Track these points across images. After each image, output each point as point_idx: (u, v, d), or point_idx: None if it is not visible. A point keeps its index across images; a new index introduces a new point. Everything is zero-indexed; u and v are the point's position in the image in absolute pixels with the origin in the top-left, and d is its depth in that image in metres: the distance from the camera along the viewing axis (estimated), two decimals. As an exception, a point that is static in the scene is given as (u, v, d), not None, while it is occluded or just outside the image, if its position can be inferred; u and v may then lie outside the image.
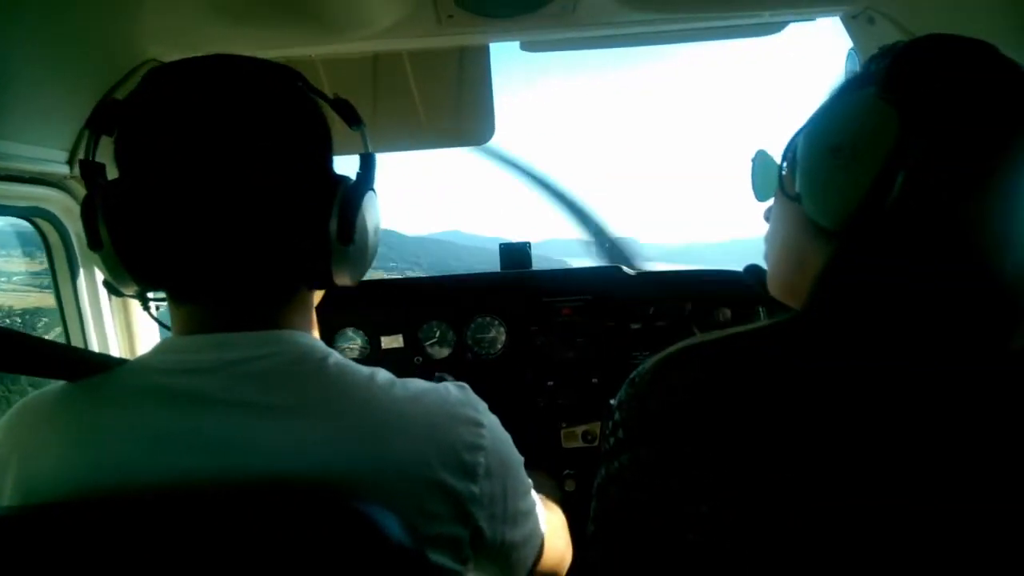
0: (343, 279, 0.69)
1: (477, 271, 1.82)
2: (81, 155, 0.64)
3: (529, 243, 1.76)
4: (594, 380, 1.68)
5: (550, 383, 1.69)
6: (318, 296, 0.75)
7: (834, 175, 0.61)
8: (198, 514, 0.54)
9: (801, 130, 0.67)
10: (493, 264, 1.79)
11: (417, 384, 0.67)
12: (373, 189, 0.70)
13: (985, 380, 0.56)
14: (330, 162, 0.69)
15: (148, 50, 1.13)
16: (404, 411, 0.62)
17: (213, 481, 0.56)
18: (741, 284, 1.50)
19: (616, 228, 2.30)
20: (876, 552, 0.54)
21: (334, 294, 0.74)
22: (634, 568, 0.65)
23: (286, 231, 0.64)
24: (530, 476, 0.76)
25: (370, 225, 0.71)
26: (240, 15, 1.04)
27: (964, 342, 0.58)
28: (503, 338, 1.69)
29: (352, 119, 0.71)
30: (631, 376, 0.68)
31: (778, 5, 1.11)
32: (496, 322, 1.69)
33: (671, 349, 0.67)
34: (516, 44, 1.25)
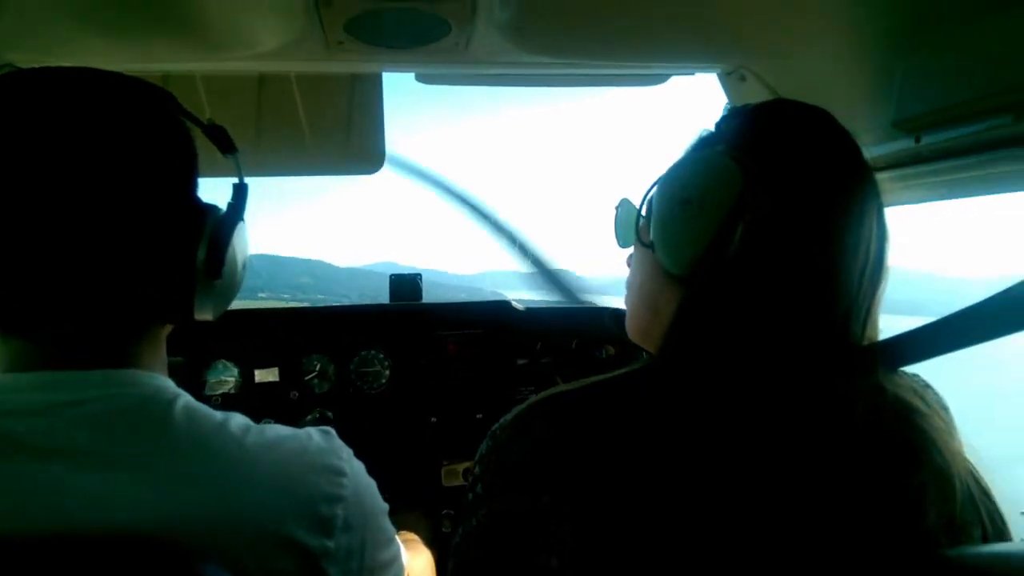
0: (204, 314, 0.64)
1: (366, 303, 1.78)
2: None
3: (420, 275, 1.74)
4: (479, 416, 1.67)
5: (433, 419, 1.66)
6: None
7: (683, 225, 0.65)
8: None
9: (657, 181, 0.70)
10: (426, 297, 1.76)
11: (275, 431, 0.62)
12: (243, 219, 0.67)
13: (817, 414, 0.60)
14: (195, 189, 0.64)
15: (4, 55, 1.04)
16: (256, 461, 0.58)
17: (25, 537, 0.50)
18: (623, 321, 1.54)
19: (554, 260, 2.31)
20: None
21: (206, 324, 0.69)
22: None
23: (140, 261, 0.58)
24: (405, 516, 0.73)
25: (239, 258, 0.67)
26: (113, 25, 0.97)
27: (801, 378, 0.61)
28: (388, 372, 1.65)
29: (225, 146, 0.67)
30: (492, 429, 0.68)
31: (660, 59, 1.17)
32: (381, 356, 1.65)
33: (531, 400, 0.68)
34: (411, 75, 1.25)
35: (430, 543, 1.13)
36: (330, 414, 1.59)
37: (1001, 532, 0.62)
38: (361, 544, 0.63)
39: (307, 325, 1.64)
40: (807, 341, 0.62)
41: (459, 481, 1.64)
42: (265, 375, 1.60)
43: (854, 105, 1.05)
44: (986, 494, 0.63)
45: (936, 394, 0.71)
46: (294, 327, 1.63)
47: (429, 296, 1.77)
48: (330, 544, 0.59)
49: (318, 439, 0.64)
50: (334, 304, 1.74)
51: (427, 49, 1.06)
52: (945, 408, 0.69)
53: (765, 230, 0.61)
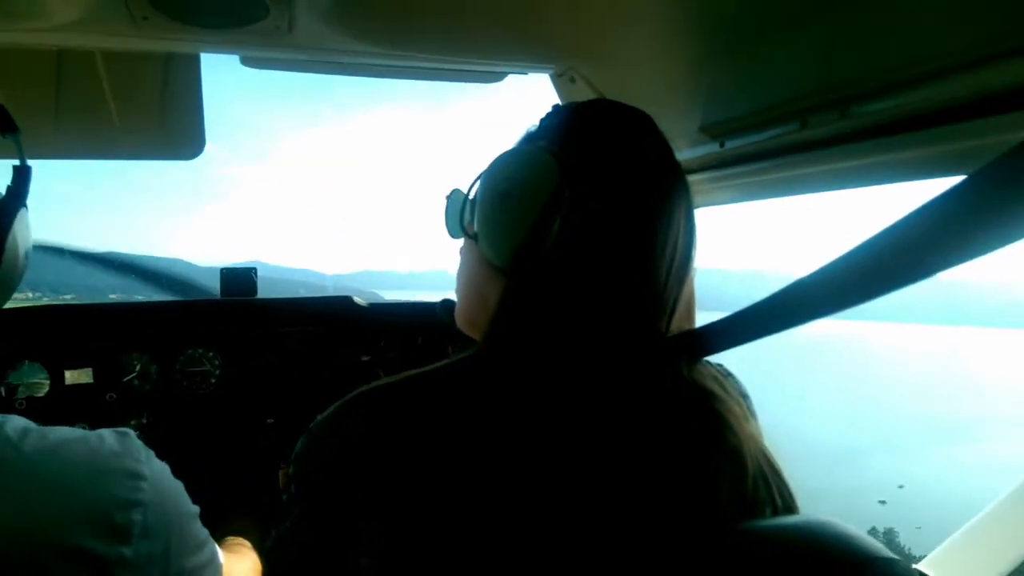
0: None
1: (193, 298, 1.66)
2: None
3: (255, 268, 1.64)
4: (317, 416, 1.61)
5: (270, 420, 1.58)
6: None
7: (503, 218, 0.67)
8: None
9: (481, 174, 0.71)
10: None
11: (60, 434, 0.57)
12: (26, 205, 0.61)
13: (623, 401, 0.63)
14: None
15: None
16: (35, 468, 0.53)
17: None
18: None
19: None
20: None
21: (5, 321, 0.62)
22: None
23: None
24: (240, 522, 0.69)
25: (21, 246, 0.61)
26: None
27: (609, 367, 0.64)
28: (218, 371, 1.55)
29: (6, 126, 0.61)
30: (309, 427, 0.67)
31: (488, 56, 1.19)
32: (210, 354, 1.55)
33: (348, 396, 0.67)
34: (236, 58, 1.17)
35: (262, 548, 1.07)
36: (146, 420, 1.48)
37: (789, 507, 0.67)
38: (165, 551, 0.59)
39: (125, 321, 1.51)
40: (616, 331, 0.65)
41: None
42: (77, 376, 1.45)
43: (668, 110, 1.10)
44: (777, 473, 0.68)
45: (737, 382, 0.77)
46: (110, 323, 1.50)
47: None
48: (127, 552, 0.55)
49: (111, 441, 0.59)
50: (157, 299, 1.61)
51: (247, 31, 1.00)
52: (745, 395, 0.76)
53: (579, 224, 0.64)
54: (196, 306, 1.58)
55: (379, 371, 1.64)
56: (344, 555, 0.61)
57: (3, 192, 0.61)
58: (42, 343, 1.43)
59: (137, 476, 0.58)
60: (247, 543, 1.09)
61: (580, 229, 0.64)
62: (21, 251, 0.62)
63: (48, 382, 1.43)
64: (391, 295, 1.97)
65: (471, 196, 0.73)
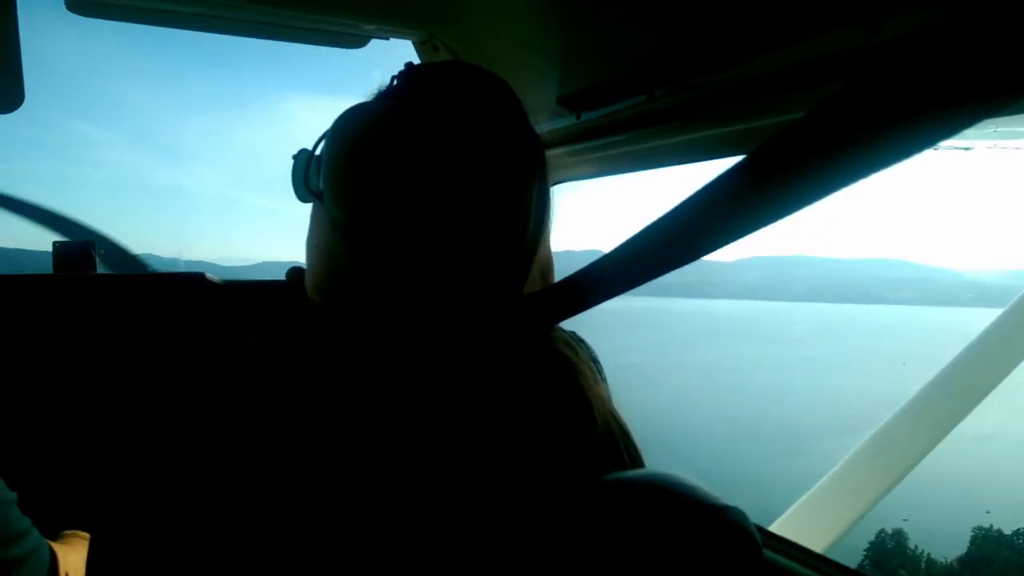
0: None
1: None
2: None
3: (92, 243, 1.50)
4: (164, 404, 1.50)
5: (114, 404, 1.45)
6: None
7: (349, 175, 0.65)
8: None
9: (327, 131, 0.68)
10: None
11: None
12: None
13: (478, 366, 0.65)
14: None
15: None
16: None
17: None
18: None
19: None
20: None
21: None
22: None
23: None
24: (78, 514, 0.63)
25: None
26: None
27: (462, 330, 0.65)
28: (53, 354, 1.40)
29: None
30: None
31: (356, 18, 1.15)
32: (43, 334, 1.40)
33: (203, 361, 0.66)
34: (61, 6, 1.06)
35: (102, 540, 0.99)
36: None
37: (636, 463, 0.72)
38: None
39: None
40: (466, 295, 0.65)
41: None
42: None
43: (529, 82, 1.12)
44: (625, 432, 0.72)
45: (588, 347, 0.79)
46: None
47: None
48: None
49: None
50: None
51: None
52: (596, 360, 0.78)
53: (426, 183, 0.63)
54: (26, 281, 1.41)
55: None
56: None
57: None
58: None
59: None
60: (85, 534, 1.01)
61: (426, 188, 0.63)
62: None
63: None
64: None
65: (316, 154, 0.70)
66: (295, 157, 0.77)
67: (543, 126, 1.12)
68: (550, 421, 0.64)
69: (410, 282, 0.64)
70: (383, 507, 0.58)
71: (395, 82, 0.71)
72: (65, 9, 1.06)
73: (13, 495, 0.61)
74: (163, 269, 1.75)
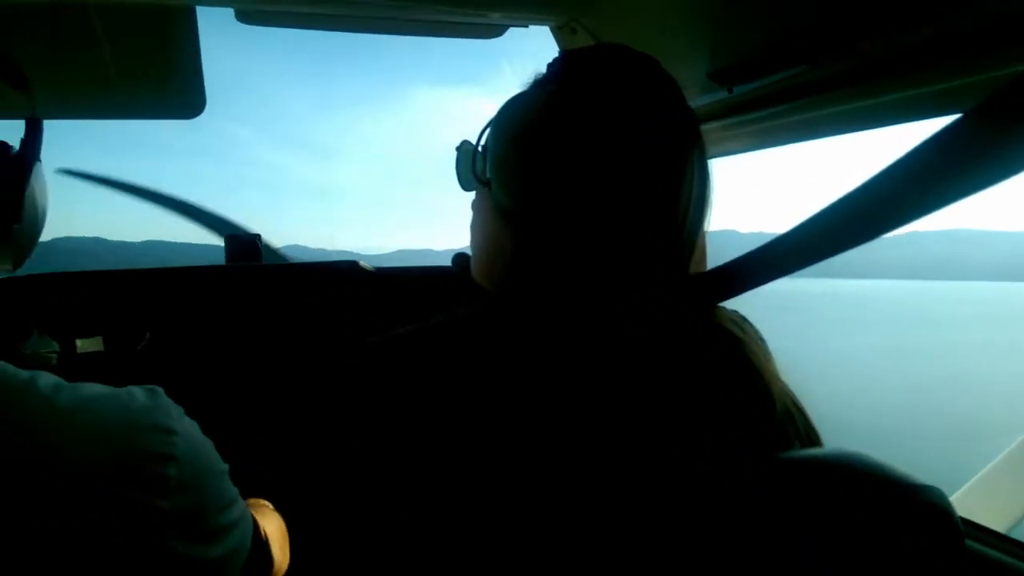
0: (4, 264, 0.59)
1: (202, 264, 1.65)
2: None
3: (258, 235, 1.63)
4: (344, 368, 1.60)
5: (279, 384, 1.58)
6: None
7: (514, 161, 0.67)
8: None
9: (491, 121, 0.71)
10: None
11: (92, 389, 0.56)
12: (39, 159, 0.60)
13: (652, 343, 0.63)
14: None
15: None
16: (71, 421, 0.52)
17: None
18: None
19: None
20: (579, 527, 0.57)
21: (14, 290, 0.61)
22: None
23: None
24: (256, 482, 0.68)
25: (39, 201, 0.61)
26: None
27: (633, 310, 0.64)
28: (227, 337, 1.55)
29: (17, 80, 0.60)
30: (336, 380, 0.69)
31: (492, 9, 1.16)
32: (219, 320, 1.55)
33: (366, 348, 0.67)
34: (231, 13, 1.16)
35: (281, 507, 1.08)
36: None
37: (816, 444, 0.69)
38: (200, 506, 0.58)
39: (134, 289, 1.51)
40: (636, 274, 0.65)
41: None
42: (89, 345, 1.46)
43: (674, 58, 1.06)
44: (802, 412, 0.69)
45: (753, 327, 0.75)
46: (119, 291, 1.50)
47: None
48: (164, 504, 0.54)
49: (142, 397, 0.58)
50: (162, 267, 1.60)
51: (241, -19, 0.99)
52: (762, 339, 0.75)
53: (591, 166, 0.63)
54: (202, 272, 1.57)
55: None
56: (383, 499, 0.61)
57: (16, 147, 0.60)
58: (53, 312, 1.43)
59: (169, 431, 0.57)
60: (267, 503, 1.09)
61: (592, 170, 0.63)
62: (39, 206, 0.61)
63: (57, 353, 1.43)
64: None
65: (482, 144, 0.73)
66: (459, 148, 0.79)
67: (693, 101, 1.07)
68: (728, 403, 0.63)
69: (577, 265, 0.64)
70: (561, 491, 0.58)
71: (550, 69, 0.71)
72: (233, 20, 1.15)
73: (226, 466, 0.65)
74: (312, 258, 1.85)
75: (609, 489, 0.58)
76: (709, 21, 1.02)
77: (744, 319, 0.75)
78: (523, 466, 0.58)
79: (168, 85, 1.23)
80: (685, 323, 0.66)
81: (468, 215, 0.78)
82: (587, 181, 0.63)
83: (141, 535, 0.54)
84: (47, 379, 0.55)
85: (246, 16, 1.14)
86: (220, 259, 1.70)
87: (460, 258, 0.85)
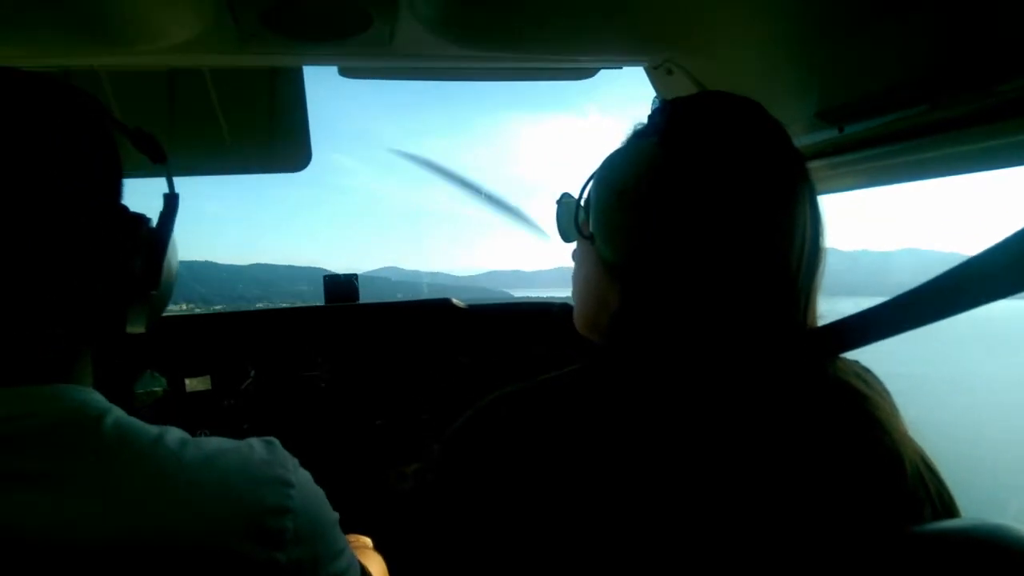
0: (137, 327, 0.62)
1: (302, 304, 1.71)
2: None
3: (355, 275, 1.68)
4: (424, 417, 1.64)
5: (378, 422, 1.62)
6: None
7: (619, 216, 0.66)
8: None
9: (593, 174, 0.70)
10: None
11: (214, 444, 0.59)
12: (172, 231, 0.64)
13: (765, 401, 0.61)
14: (121, 197, 0.61)
15: None
16: (195, 477, 0.55)
17: None
18: (567, 316, 1.54)
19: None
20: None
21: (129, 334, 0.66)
22: None
23: (71, 272, 0.55)
24: (354, 521, 0.71)
25: (174, 269, 0.65)
26: (2, 16, 0.90)
27: (746, 365, 0.62)
28: (327, 376, 1.60)
29: (156, 154, 0.64)
30: (445, 434, 0.67)
31: (586, 52, 1.16)
32: (319, 359, 1.60)
33: (482, 402, 0.67)
34: (334, 69, 1.20)
35: (380, 548, 1.10)
36: (261, 424, 1.54)
37: (949, 509, 0.63)
38: (314, 557, 0.60)
39: (238, 329, 1.58)
40: (749, 328, 0.63)
41: (408, 484, 1.60)
42: (197, 384, 1.53)
43: (778, 97, 1.05)
44: (934, 474, 0.64)
45: (876, 378, 0.72)
46: (226, 332, 1.57)
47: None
48: (281, 557, 0.56)
49: (261, 450, 0.61)
50: (266, 307, 1.67)
51: (349, 43, 1.02)
52: (887, 392, 0.71)
53: (699, 218, 0.62)
54: (303, 313, 1.63)
55: (479, 373, 1.66)
56: (488, 552, 0.61)
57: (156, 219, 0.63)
58: (162, 353, 1.51)
59: (287, 484, 0.60)
60: (368, 541, 1.12)
61: (700, 223, 0.62)
62: (173, 273, 0.65)
63: (170, 390, 1.51)
64: (519, 292, 1.97)
65: (584, 197, 0.72)
66: (559, 202, 0.80)
67: (800, 139, 1.05)
68: (851, 466, 0.59)
69: (687, 320, 0.63)
70: (670, 556, 0.56)
71: (651, 120, 0.70)
72: (336, 75, 1.20)
73: (336, 515, 0.67)
74: (407, 280, 1.89)
75: (721, 560, 0.56)
76: (817, 60, 1.00)
77: (867, 370, 0.71)
78: (632, 525, 0.57)
79: (277, 141, 1.28)
80: (802, 378, 0.63)
81: (554, 241, 0.79)
82: (695, 235, 0.62)
83: None
84: (174, 434, 0.58)
85: (349, 71, 1.18)
86: (318, 276, 1.76)
87: (564, 308, 0.86)
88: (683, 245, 0.62)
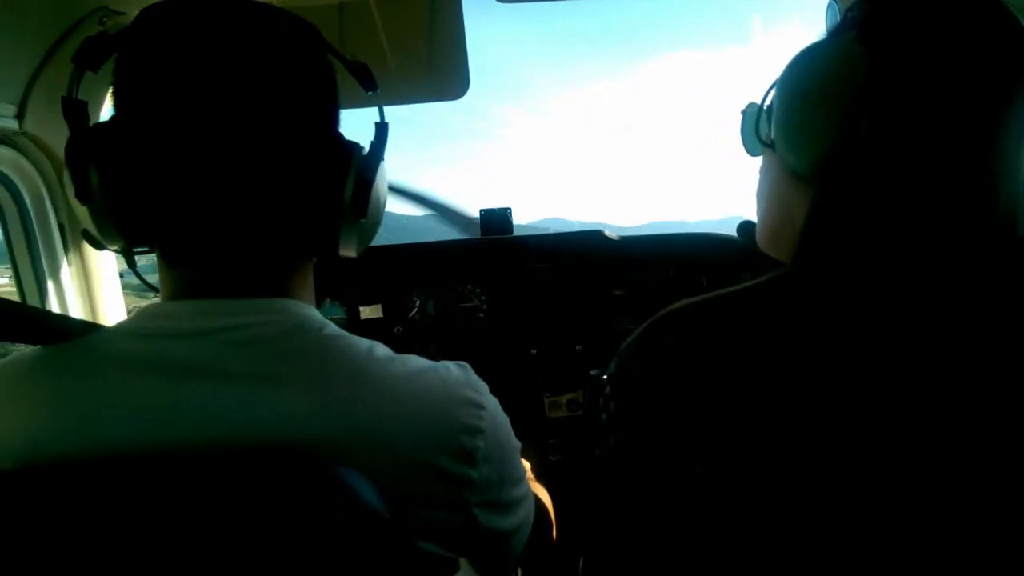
0: (348, 251, 0.66)
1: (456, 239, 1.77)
2: (30, 109, 0.59)
3: (509, 209, 1.71)
4: (578, 347, 1.64)
5: (533, 351, 1.65)
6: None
7: (803, 119, 0.60)
8: (170, 481, 0.50)
9: (778, 78, 0.64)
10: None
11: (416, 362, 0.63)
12: (383, 159, 0.66)
13: (968, 338, 0.53)
14: (338, 126, 0.64)
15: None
16: (400, 388, 0.58)
17: (192, 451, 0.53)
18: (724, 248, 1.45)
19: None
20: (865, 506, 0.51)
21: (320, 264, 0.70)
22: (640, 541, 0.62)
23: (294, 195, 0.60)
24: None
25: (382, 198, 0.68)
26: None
27: (956, 281, 0.54)
28: (484, 306, 1.65)
29: (368, 83, 0.67)
30: (619, 349, 0.65)
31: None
32: (477, 290, 1.65)
33: (656, 316, 0.64)
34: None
35: (538, 474, 1.13)
36: (429, 351, 1.62)
37: None
38: (500, 478, 0.63)
39: (405, 262, 1.66)
40: (960, 241, 0.55)
41: (563, 412, 1.63)
42: (370, 312, 1.64)
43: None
44: None
45: None
46: (393, 264, 1.66)
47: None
48: (473, 474, 0.59)
49: (456, 372, 0.64)
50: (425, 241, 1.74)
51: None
52: None
53: (900, 122, 0.54)
54: (461, 245, 1.68)
55: (632, 305, 1.64)
56: (677, 465, 0.59)
57: (367, 147, 0.65)
58: (339, 284, 1.63)
59: (479, 405, 0.62)
60: (528, 465, 1.15)
61: (901, 128, 0.54)
62: (381, 201, 0.68)
63: (347, 318, 1.63)
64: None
65: (767, 103, 0.66)
66: (744, 111, 0.74)
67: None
68: None
69: (882, 233, 0.55)
70: (845, 489, 0.51)
71: (848, 14, 0.62)
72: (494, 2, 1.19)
73: (519, 443, 0.70)
74: (564, 230, 1.90)
75: (908, 498, 0.50)
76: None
77: None
78: (807, 453, 0.53)
79: (438, 69, 1.31)
80: (1015, 305, 0.54)
81: (720, 186, 0.72)
82: (893, 140, 0.54)
83: (454, 501, 0.59)
84: (382, 349, 0.62)
85: (507, -6, 1.17)
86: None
87: (745, 226, 0.80)
88: (877, 152, 0.55)
